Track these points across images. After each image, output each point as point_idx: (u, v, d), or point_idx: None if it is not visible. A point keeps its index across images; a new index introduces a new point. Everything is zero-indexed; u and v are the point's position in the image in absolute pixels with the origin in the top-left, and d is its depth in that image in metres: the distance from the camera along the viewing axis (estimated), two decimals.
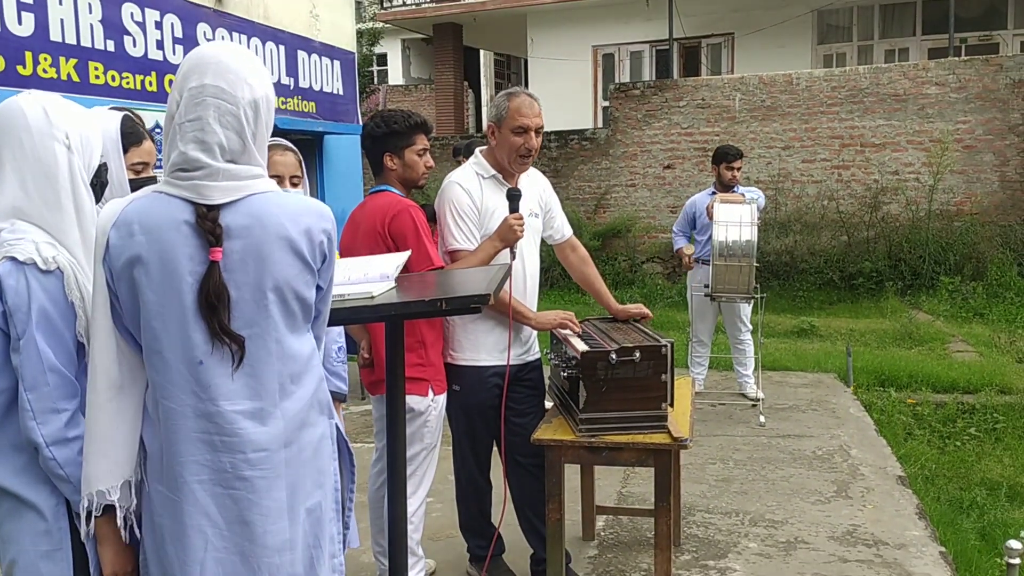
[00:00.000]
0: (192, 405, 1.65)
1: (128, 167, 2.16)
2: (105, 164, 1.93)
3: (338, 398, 2.77)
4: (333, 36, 7.86)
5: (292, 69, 7.21)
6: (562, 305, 9.74)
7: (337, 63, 7.91)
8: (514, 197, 3.09)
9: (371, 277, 2.13)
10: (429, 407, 3.06)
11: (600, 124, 14.96)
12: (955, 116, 11.12)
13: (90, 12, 5.13)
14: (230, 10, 6.41)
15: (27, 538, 1.75)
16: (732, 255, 5.31)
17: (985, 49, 13.60)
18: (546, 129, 3.28)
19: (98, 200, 1.91)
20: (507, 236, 3.06)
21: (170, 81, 1.72)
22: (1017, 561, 2.98)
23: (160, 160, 2.01)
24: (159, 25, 5.69)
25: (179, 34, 5.84)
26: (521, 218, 3.07)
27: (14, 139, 1.80)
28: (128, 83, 5.41)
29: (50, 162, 1.80)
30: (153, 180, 2.11)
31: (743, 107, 12.02)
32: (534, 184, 3.33)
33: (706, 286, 5.59)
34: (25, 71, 4.68)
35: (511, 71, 23.06)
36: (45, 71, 4.80)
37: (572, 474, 3.55)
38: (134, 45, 5.49)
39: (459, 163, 4.92)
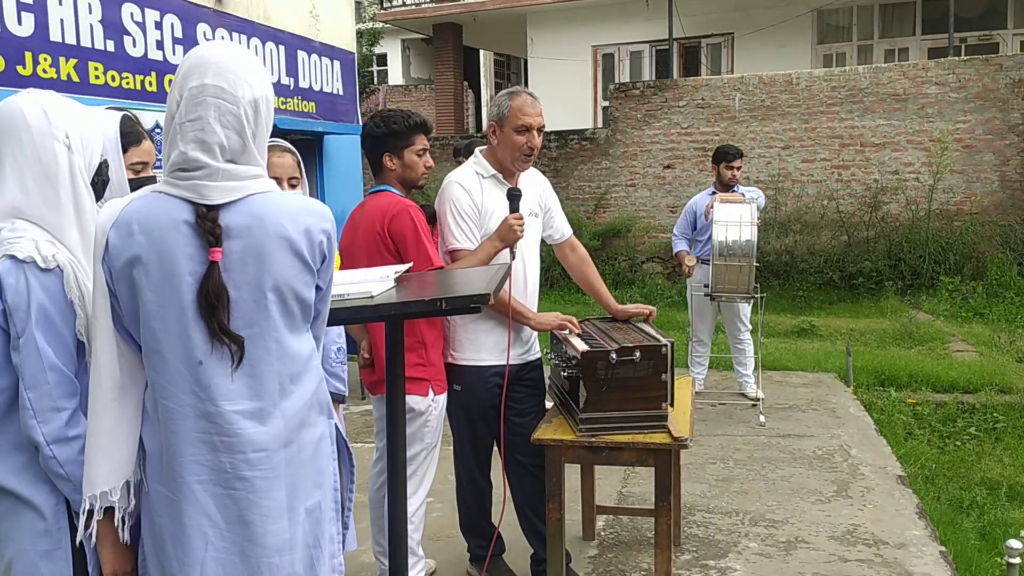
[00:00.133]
0: (192, 405, 1.65)
1: (127, 167, 2.16)
2: (106, 161, 1.92)
3: (337, 399, 2.77)
4: (333, 36, 7.85)
5: (292, 69, 7.21)
6: (562, 305, 9.75)
7: (337, 63, 7.91)
8: (514, 197, 3.09)
9: (370, 278, 2.13)
10: (429, 407, 3.06)
11: (600, 124, 14.96)
12: (955, 116, 11.12)
13: (90, 12, 5.12)
14: (230, 10, 6.41)
15: (26, 537, 1.74)
16: (732, 255, 5.31)
17: (985, 49, 13.60)
18: (546, 129, 3.28)
19: (99, 198, 1.91)
20: (507, 236, 3.06)
21: (170, 81, 1.71)
22: (1017, 560, 2.98)
23: (159, 160, 2.01)
24: (159, 25, 5.69)
25: (179, 34, 5.84)
26: (521, 218, 3.07)
27: (14, 139, 1.80)
28: (128, 83, 5.41)
29: (50, 162, 1.80)
30: (152, 180, 2.11)
31: (743, 107, 12.02)
32: (534, 184, 3.33)
33: (706, 286, 5.59)
34: (25, 71, 4.68)
35: (511, 71, 23.06)
36: (45, 71, 4.80)
37: (572, 474, 3.54)
38: (134, 45, 5.49)
39: (460, 163, 4.92)
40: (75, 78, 5.02)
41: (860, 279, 10.96)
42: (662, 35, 14.07)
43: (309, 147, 7.36)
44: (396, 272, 2.22)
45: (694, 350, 6.26)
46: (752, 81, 12.00)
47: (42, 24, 4.82)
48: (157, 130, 4.23)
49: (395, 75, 24.01)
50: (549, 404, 3.35)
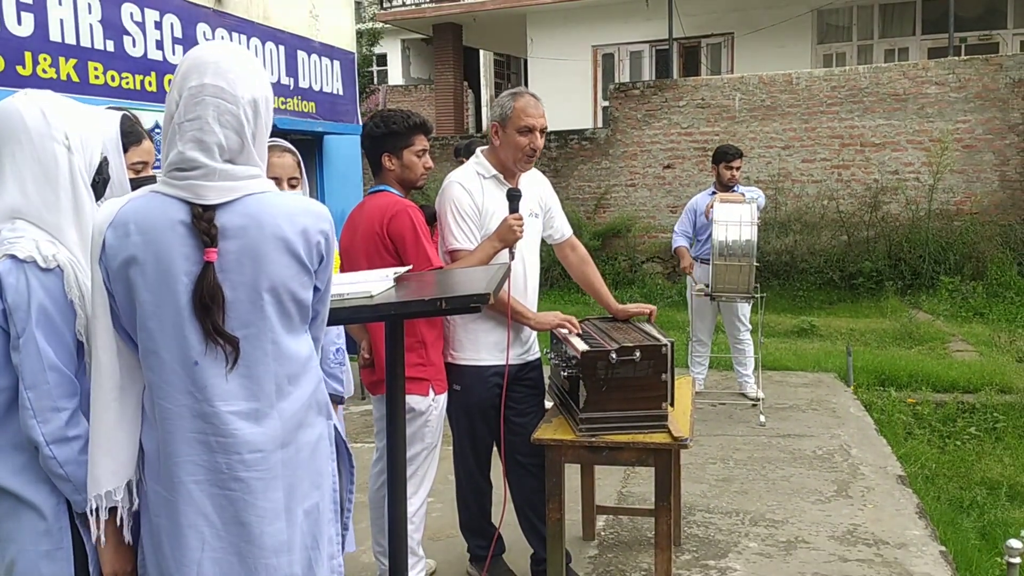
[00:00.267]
0: (188, 405, 1.65)
1: (128, 167, 2.16)
2: (105, 159, 1.92)
3: (335, 400, 2.76)
4: (333, 36, 7.85)
5: (292, 69, 7.21)
6: (562, 305, 9.75)
7: (337, 63, 7.91)
8: (514, 197, 3.08)
9: (370, 279, 2.13)
10: (430, 407, 3.06)
11: (600, 124, 14.96)
12: (955, 116, 11.12)
13: (90, 12, 5.12)
14: (230, 10, 6.40)
15: (27, 537, 1.74)
16: (732, 254, 5.31)
17: (985, 49, 13.60)
18: (547, 130, 3.28)
19: (100, 197, 1.90)
20: (506, 236, 3.05)
21: (170, 81, 1.71)
22: (1017, 560, 2.98)
23: (159, 160, 2.01)
24: (159, 25, 5.69)
25: (179, 34, 5.84)
26: (520, 218, 3.07)
27: (13, 141, 1.80)
28: (128, 83, 5.41)
29: (50, 163, 1.80)
30: (152, 179, 2.10)
31: (743, 107, 12.02)
32: (534, 184, 3.33)
33: (706, 285, 5.58)
34: (25, 71, 4.68)
35: (511, 71, 23.06)
36: (45, 71, 4.79)
37: (572, 474, 3.54)
38: (134, 45, 5.48)
39: (461, 163, 4.92)
40: (75, 78, 5.02)
41: (860, 279, 10.96)
42: (662, 35, 14.07)
43: (309, 147, 7.36)
44: (396, 273, 2.22)
45: (694, 350, 6.25)
46: (752, 81, 12.00)
47: (42, 24, 4.82)
48: (157, 130, 4.23)
49: (395, 75, 24.01)
50: (549, 404, 3.35)
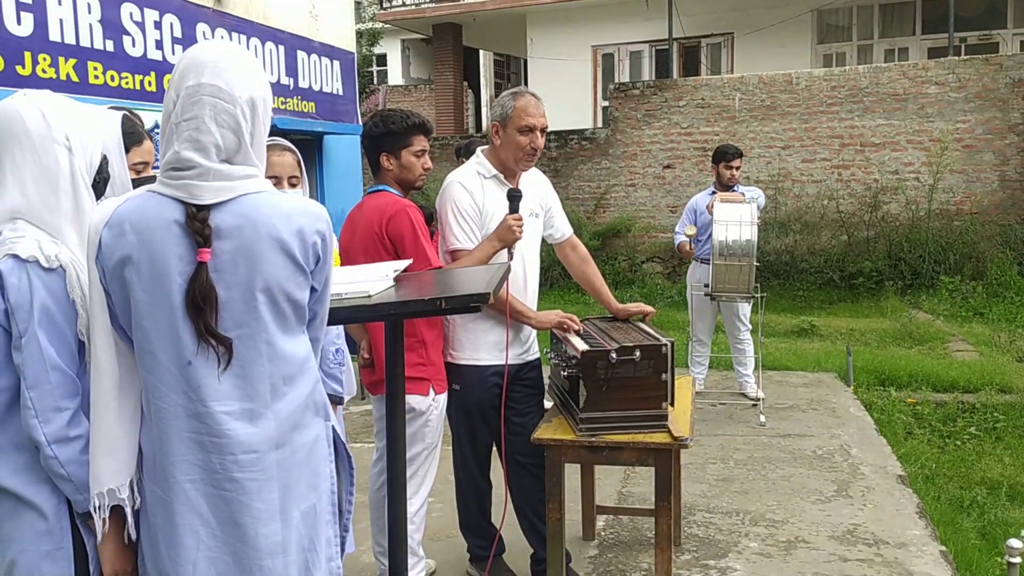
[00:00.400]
0: (183, 405, 1.65)
1: (129, 167, 2.16)
2: (106, 158, 1.92)
3: (335, 401, 2.76)
4: (333, 36, 7.85)
5: (292, 69, 7.21)
6: (562, 305, 9.74)
7: (337, 63, 7.91)
8: (514, 197, 3.08)
9: (369, 277, 2.12)
10: (430, 407, 3.05)
11: (600, 124, 14.96)
12: (955, 115, 11.12)
13: (89, 12, 5.12)
14: (229, 10, 6.40)
15: (28, 538, 1.74)
16: (732, 254, 5.31)
17: (985, 48, 13.60)
18: (547, 130, 3.28)
19: (100, 196, 1.90)
20: (506, 236, 3.05)
21: (169, 81, 1.71)
22: (1018, 560, 2.98)
23: (159, 159, 2.01)
24: (158, 25, 5.69)
25: (178, 34, 5.84)
26: (520, 219, 3.07)
27: (13, 143, 1.79)
28: (127, 83, 5.41)
29: (51, 165, 1.80)
30: (153, 180, 2.10)
31: (743, 107, 12.02)
32: (535, 184, 3.33)
33: (706, 285, 5.58)
34: (24, 71, 4.68)
35: (511, 71, 23.06)
36: (44, 71, 4.79)
37: (572, 474, 3.54)
38: (133, 45, 5.48)
39: (461, 163, 4.91)
40: (74, 78, 5.02)
41: (860, 279, 10.96)
42: (662, 35, 14.07)
43: (309, 147, 7.36)
44: (395, 270, 2.21)
45: (694, 350, 6.25)
46: (752, 81, 12.00)
47: (41, 24, 4.82)
48: (156, 130, 4.23)
49: (395, 75, 24.01)
50: (549, 404, 3.34)
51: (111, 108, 2.23)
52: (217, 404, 1.65)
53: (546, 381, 3.41)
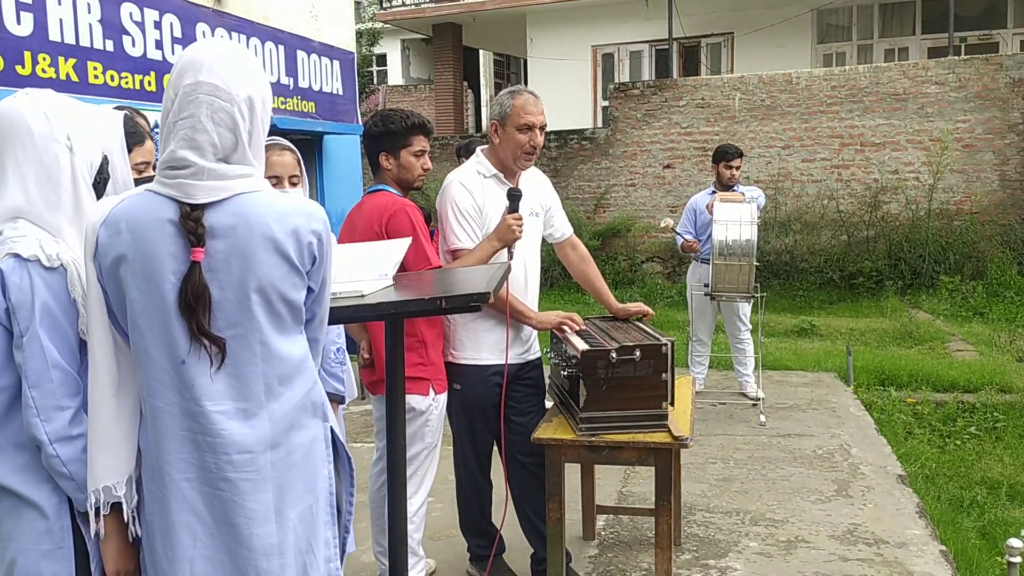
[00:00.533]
0: (178, 403, 1.65)
1: (131, 167, 2.16)
2: (107, 158, 1.92)
3: (336, 400, 2.76)
4: (333, 36, 7.85)
5: (292, 69, 7.21)
6: (562, 305, 9.74)
7: (337, 63, 7.91)
8: (514, 197, 3.08)
9: (369, 275, 2.12)
10: (430, 406, 3.05)
11: (600, 124, 14.96)
12: (955, 115, 11.12)
13: (89, 12, 5.12)
14: (229, 10, 6.40)
15: (28, 537, 1.74)
16: (732, 254, 5.31)
17: (985, 48, 13.60)
18: (546, 129, 3.28)
19: (101, 196, 1.90)
20: (505, 236, 3.05)
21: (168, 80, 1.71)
22: (1018, 560, 2.98)
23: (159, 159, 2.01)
24: (158, 25, 5.69)
25: (178, 34, 5.84)
26: (520, 218, 3.07)
27: (15, 143, 1.80)
28: (127, 83, 5.41)
29: (52, 165, 1.80)
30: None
31: (743, 107, 12.02)
32: (535, 183, 3.33)
33: (706, 285, 5.58)
34: (24, 71, 4.68)
35: (511, 71, 23.06)
36: (44, 71, 4.79)
37: (572, 473, 3.54)
38: (133, 45, 5.48)
39: (462, 163, 4.91)
40: (74, 78, 5.02)
41: (860, 279, 10.96)
42: (662, 35, 14.07)
43: (308, 147, 7.36)
44: (395, 263, 2.19)
45: (694, 350, 6.25)
46: (752, 81, 12.00)
47: (41, 24, 4.82)
48: (156, 130, 4.23)
49: (395, 75, 24.01)
50: (549, 403, 3.34)
51: (116, 108, 2.23)
52: (211, 403, 1.64)
53: (546, 381, 3.41)
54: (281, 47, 7.03)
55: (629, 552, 3.76)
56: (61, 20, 4.91)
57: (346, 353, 2.92)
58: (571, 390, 2.99)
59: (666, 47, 14.36)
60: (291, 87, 7.19)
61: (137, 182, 2.09)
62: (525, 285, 3.23)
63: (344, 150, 7.97)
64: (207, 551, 1.67)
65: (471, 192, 3.12)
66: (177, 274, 1.62)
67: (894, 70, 11.49)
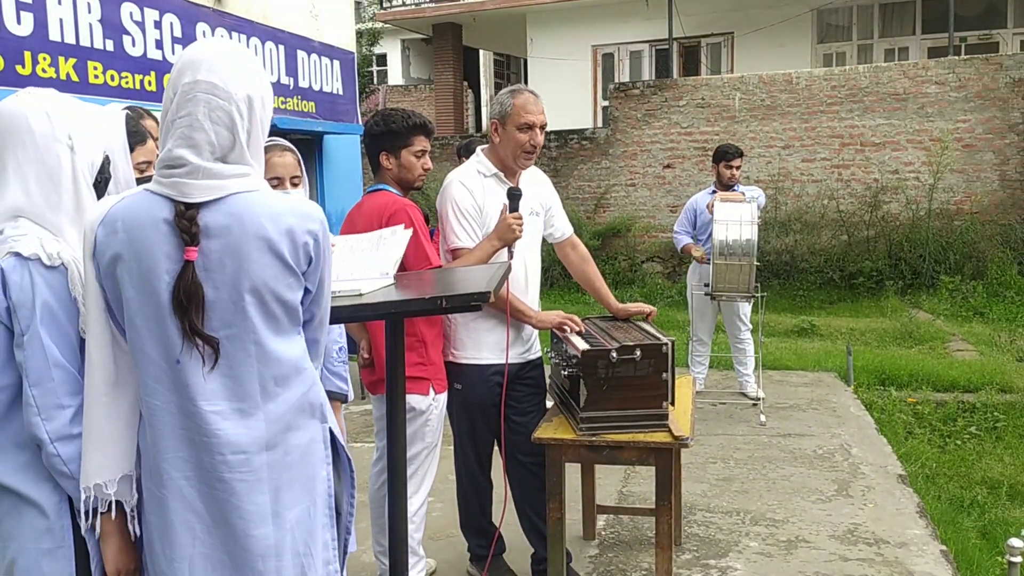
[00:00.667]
0: (175, 402, 1.65)
1: (133, 166, 2.15)
2: (108, 158, 1.92)
3: (339, 399, 2.76)
4: (333, 36, 7.85)
5: (292, 69, 7.20)
6: (562, 305, 9.75)
7: (337, 63, 7.91)
8: (515, 196, 3.08)
9: (370, 274, 2.12)
10: (430, 406, 3.05)
11: (600, 124, 14.96)
12: (955, 115, 11.12)
13: (89, 11, 5.12)
14: (229, 10, 6.40)
15: (28, 536, 1.74)
16: (732, 254, 5.31)
17: (985, 48, 13.60)
18: (546, 129, 3.28)
19: (102, 196, 1.90)
20: (505, 235, 3.05)
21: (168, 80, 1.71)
22: (1018, 559, 2.98)
23: None
24: (158, 24, 5.69)
25: (178, 33, 5.84)
26: (520, 218, 3.06)
27: (17, 142, 1.80)
28: (127, 83, 5.41)
29: (53, 165, 1.80)
30: None
31: (743, 106, 12.02)
32: (535, 183, 3.33)
33: (706, 285, 5.58)
34: (24, 70, 4.68)
35: (511, 71, 23.06)
36: (44, 71, 4.79)
37: (573, 473, 3.54)
38: (133, 45, 5.48)
39: (462, 163, 4.90)
40: (74, 77, 5.02)
41: (860, 279, 10.96)
42: (662, 35, 14.06)
43: (308, 147, 7.36)
44: (395, 260, 2.19)
45: (694, 349, 6.25)
46: (752, 81, 12.00)
47: (41, 23, 4.82)
48: None
49: (395, 75, 24.01)
50: (550, 403, 3.34)
51: (126, 108, 2.22)
52: (206, 403, 1.64)
53: (547, 380, 3.40)
54: (281, 47, 7.03)
55: (629, 552, 3.76)
56: (61, 20, 4.91)
57: (346, 353, 2.93)
58: (572, 390, 2.99)
59: (666, 47, 14.36)
60: (291, 87, 7.19)
61: (139, 181, 2.09)
62: (525, 285, 3.22)
63: (344, 150, 7.97)
64: (206, 550, 1.66)
65: (471, 191, 3.12)
66: (171, 273, 1.62)
67: (894, 70, 11.49)
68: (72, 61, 4.99)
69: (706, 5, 14.50)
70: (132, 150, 2.14)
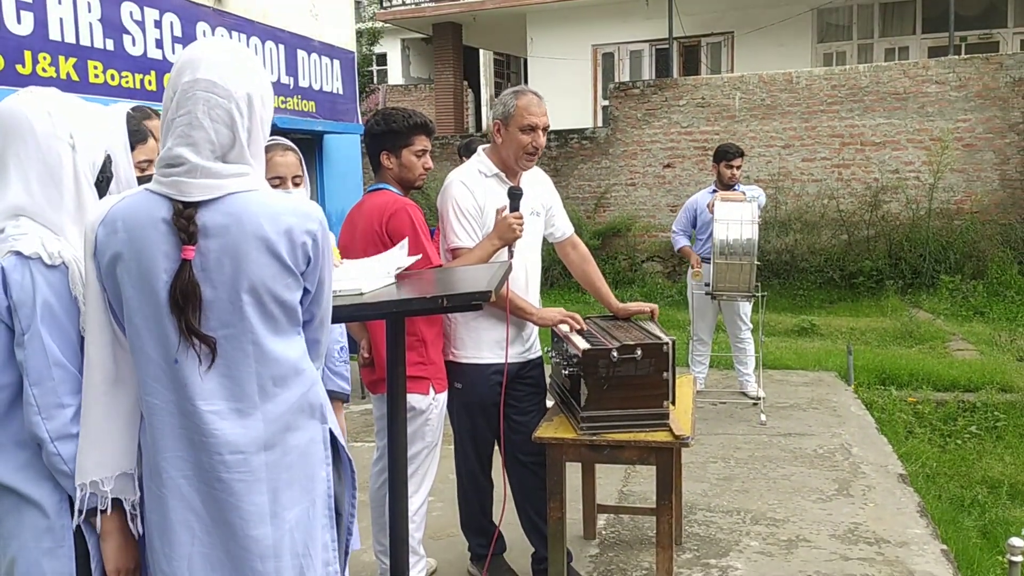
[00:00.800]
0: (174, 401, 1.65)
1: (134, 165, 2.15)
2: (109, 157, 1.92)
3: (340, 398, 2.76)
4: (333, 36, 7.85)
5: (292, 68, 7.20)
6: (563, 304, 9.73)
7: (337, 62, 7.91)
8: (515, 196, 3.08)
9: (372, 274, 2.12)
10: (430, 405, 3.05)
11: (600, 123, 14.96)
12: (955, 114, 11.12)
13: (89, 11, 5.12)
14: (229, 9, 6.40)
15: (29, 535, 1.74)
16: (733, 253, 5.31)
17: (985, 47, 13.60)
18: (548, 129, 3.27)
19: (103, 195, 1.90)
20: (505, 235, 3.04)
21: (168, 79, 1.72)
22: (1019, 559, 2.98)
23: None
24: (158, 24, 5.69)
25: (178, 33, 5.84)
26: (520, 217, 3.06)
27: (19, 141, 1.80)
28: (127, 82, 5.41)
29: (55, 164, 1.80)
30: None
31: (743, 106, 12.02)
32: (536, 183, 3.32)
33: (707, 284, 5.58)
34: (24, 70, 4.68)
35: (511, 71, 23.05)
36: (44, 70, 4.79)
37: (573, 473, 3.54)
38: (133, 44, 5.48)
39: (463, 163, 4.89)
40: (74, 77, 5.02)
41: (860, 278, 10.96)
42: (662, 34, 14.06)
43: (309, 146, 7.36)
44: (399, 268, 2.19)
45: (695, 349, 6.25)
46: (752, 80, 12.00)
47: (41, 23, 4.82)
48: None
49: (395, 75, 24.01)
50: (550, 402, 3.34)
51: (133, 108, 2.22)
52: (203, 403, 1.64)
53: (547, 380, 3.40)
54: (281, 46, 7.03)
55: (630, 551, 3.76)
56: (61, 19, 4.91)
57: (347, 352, 2.93)
58: (572, 389, 2.99)
59: (666, 46, 14.36)
60: (291, 86, 7.19)
61: (140, 180, 2.09)
62: (526, 285, 3.22)
63: (344, 149, 7.97)
64: (205, 549, 1.66)
65: (472, 191, 3.12)
66: (170, 272, 1.62)
67: (894, 69, 11.49)
68: (72, 61, 4.99)
69: (706, 5, 14.50)
70: (133, 148, 2.14)
